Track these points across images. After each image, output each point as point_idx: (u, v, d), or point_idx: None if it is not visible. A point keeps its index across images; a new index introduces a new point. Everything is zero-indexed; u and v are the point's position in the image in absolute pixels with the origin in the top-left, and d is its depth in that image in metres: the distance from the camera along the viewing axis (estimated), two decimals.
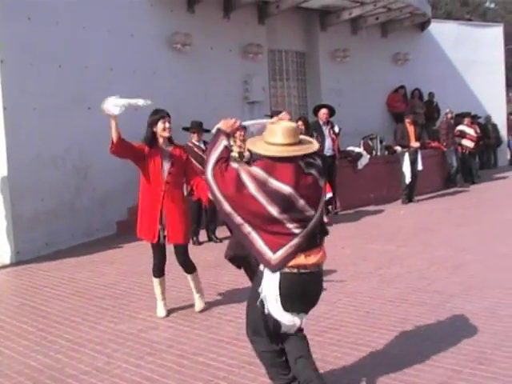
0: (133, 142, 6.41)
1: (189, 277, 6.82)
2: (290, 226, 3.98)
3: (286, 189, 3.95)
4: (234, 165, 4.08)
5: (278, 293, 4.00)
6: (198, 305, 6.79)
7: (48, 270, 9.04)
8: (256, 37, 14.92)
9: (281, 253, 3.98)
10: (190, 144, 10.35)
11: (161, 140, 6.45)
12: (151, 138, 6.42)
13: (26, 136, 9.98)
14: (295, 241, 3.98)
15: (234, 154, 10.62)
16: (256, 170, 4.00)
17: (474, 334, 5.56)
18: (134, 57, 12.14)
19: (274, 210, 3.94)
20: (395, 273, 7.99)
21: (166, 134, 6.42)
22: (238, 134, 10.64)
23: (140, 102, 6.12)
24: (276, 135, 4.07)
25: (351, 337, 5.64)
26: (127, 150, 6.31)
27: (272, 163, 4.01)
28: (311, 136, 11.41)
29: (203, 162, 9.85)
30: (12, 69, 9.78)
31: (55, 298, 7.53)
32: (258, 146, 4.14)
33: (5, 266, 9.50)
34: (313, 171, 4.08)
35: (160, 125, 6.37)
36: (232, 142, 10.66)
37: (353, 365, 5.00)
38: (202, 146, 10.38)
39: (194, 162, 10.00)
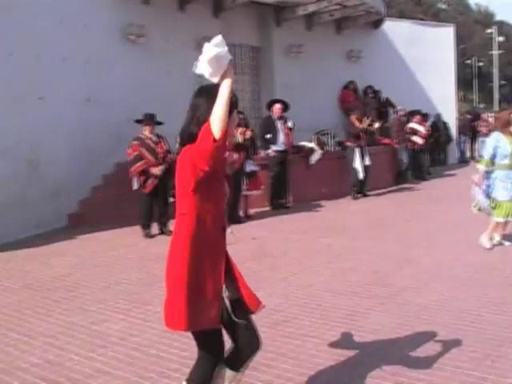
0: None
1: (230, 377, 3.83)
2: None
3: None
4: None
5: None
6: None
7: None
8: (210, 30, 14.80)
9: None
10: (142, 137, 10.31)
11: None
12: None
13: None
14: None
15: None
16: None
17: (423, 326, 5.67)
18: (88, 47, 12.02)
19: None
20: (346, 266, 8.08)
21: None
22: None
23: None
24: None
25: (303, 329, 5.70)
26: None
27: None
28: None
29: (156, 155, 10.14)
30: None
31: (5, 291, 7.43)
32: None
33: None
34: None
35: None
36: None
37: (305, 357, 5.05)
38: (155, 138, 10.36)
39: (146, 154, 10.14)
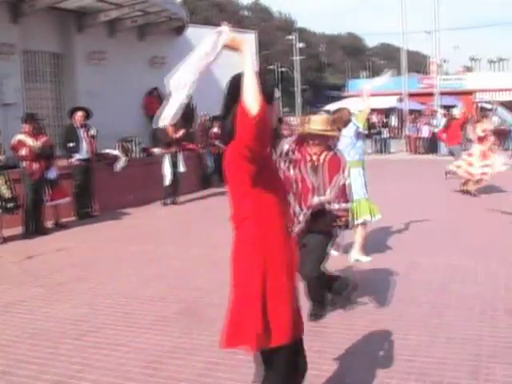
0: None
1: None
2: None
3: None
4: None
5: None
6: None
7: None
8: (8, 37, 14.41)
9: None
10: None
11: None
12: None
13: None
14: None
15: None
16: None
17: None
18: None
19: None
20: (154, 273, 8.18)
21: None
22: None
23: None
24: None
25: (110, 338, 5.74)
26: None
27: None
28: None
29: None
30: None
31: None
32: None
33: None
34: None
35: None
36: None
37: (113, 366, 5.09)
38: None
39: None
